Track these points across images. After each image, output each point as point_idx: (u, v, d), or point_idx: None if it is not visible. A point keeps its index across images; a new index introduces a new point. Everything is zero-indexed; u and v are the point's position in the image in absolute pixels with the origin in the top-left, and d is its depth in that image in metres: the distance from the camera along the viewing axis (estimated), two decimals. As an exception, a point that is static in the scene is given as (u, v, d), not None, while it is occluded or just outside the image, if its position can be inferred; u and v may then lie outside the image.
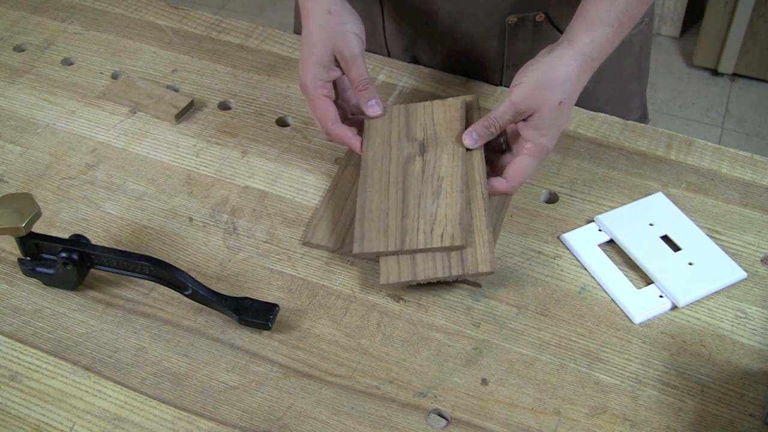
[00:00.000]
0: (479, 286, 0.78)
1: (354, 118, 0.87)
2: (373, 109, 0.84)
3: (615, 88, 1.03)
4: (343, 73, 0.83)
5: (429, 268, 0.75)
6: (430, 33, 0.99)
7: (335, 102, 0.83)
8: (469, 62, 1.00)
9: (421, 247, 0.75)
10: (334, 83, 0.84)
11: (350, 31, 0.81)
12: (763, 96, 2.40)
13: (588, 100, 1.02)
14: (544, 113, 0.76)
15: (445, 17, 0.96)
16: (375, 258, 0.78)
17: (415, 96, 0.97)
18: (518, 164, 0.78)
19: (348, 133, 0.82)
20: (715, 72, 2.45)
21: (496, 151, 0.82)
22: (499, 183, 0.79)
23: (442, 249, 0.75)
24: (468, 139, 0.80)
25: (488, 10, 0.94)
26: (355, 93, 0.84)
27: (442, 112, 0.85)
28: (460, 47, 0.98)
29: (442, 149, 0.81)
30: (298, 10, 1.13)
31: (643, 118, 1.09)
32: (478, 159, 0.80)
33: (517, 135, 0.79)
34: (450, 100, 0.86)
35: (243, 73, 1.01)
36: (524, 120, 0.77)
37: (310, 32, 0.82)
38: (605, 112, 0.98)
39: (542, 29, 0.94)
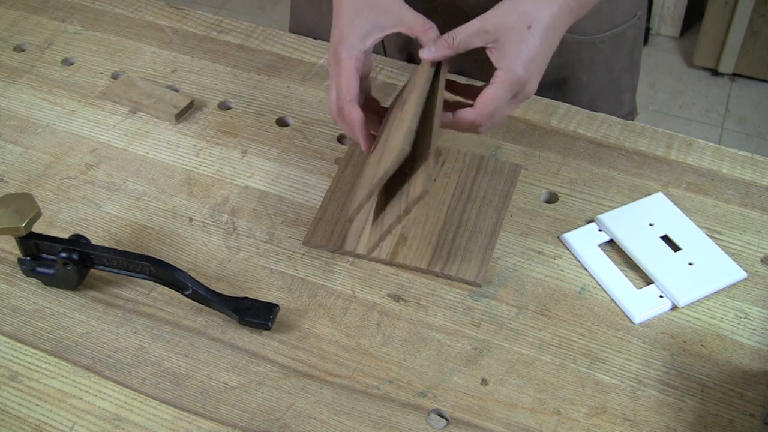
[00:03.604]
0: (479, 286, 0.78)
1: (369, 107, 0.81)
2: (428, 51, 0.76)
3: (609, 80, 1.03)
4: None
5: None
6: None
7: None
8: (466, 60, 1.00)
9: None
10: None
11: None
12: (763, 96, 2.40)
13: (582, 92, 1.02)
14: (511, 37, 0.72)
15: (441, 16, 0.96)
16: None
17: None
18: (487, 92, 0.73)
19: (359, 118, 0.76)
20: (715, 72, 2.45)
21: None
22: (466, 112, 0.74)
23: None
24: (425, 52, 0.75)
25: (485, 8, 0.94)
26: (421, 36, 0.77)
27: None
28: None
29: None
30: (295, 10, 1.13)
31: (633, 111, 1.10)
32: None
33: None
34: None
35: (243, 73, 1.01)
36: (493, 50, 0.74)
37: (341, 2, 0.77)
38: (599, 105, 0.97)
39: None
